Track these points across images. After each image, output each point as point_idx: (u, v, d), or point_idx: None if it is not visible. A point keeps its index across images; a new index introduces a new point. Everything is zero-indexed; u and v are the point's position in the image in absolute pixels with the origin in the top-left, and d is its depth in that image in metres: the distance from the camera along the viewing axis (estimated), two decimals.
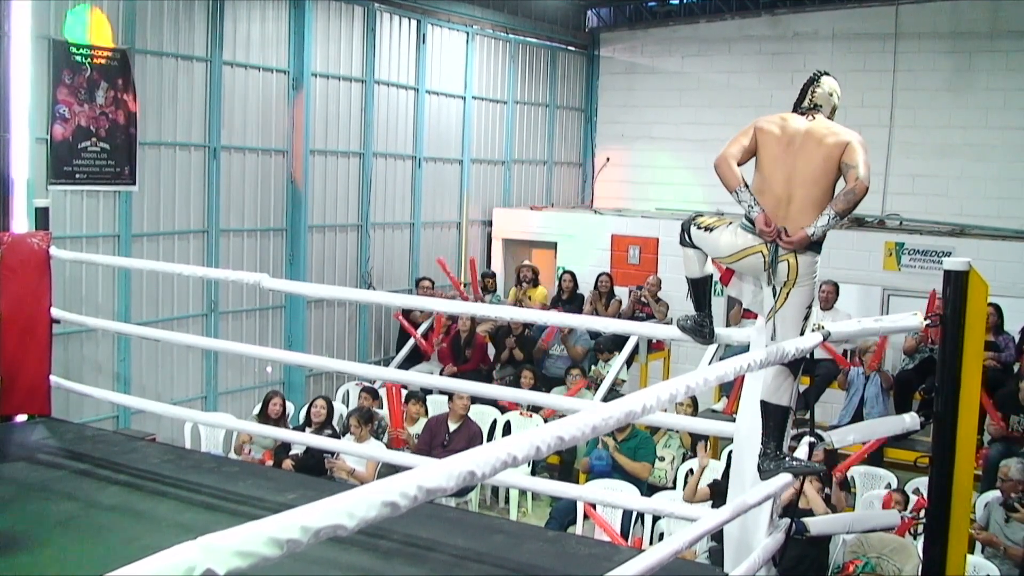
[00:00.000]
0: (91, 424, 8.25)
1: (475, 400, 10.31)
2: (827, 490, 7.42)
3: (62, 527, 4.77)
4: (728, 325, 10.76)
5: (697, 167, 15.18)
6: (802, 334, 4.14)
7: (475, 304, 9.77)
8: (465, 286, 13.62)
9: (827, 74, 4.40)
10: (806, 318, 4.18)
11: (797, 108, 4.33)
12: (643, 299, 12.77)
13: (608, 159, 17.26)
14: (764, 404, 4.22)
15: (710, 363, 9.00)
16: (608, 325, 6.97)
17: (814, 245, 4.11)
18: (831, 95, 4.34)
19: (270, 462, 8.78)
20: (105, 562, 3.63)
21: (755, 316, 4.62)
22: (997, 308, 10.21)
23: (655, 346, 12.72)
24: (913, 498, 7.87)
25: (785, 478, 4.12)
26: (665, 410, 3.93)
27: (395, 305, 11.07)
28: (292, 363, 10.95)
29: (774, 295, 4.17)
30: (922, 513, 6.90)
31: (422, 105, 14.08)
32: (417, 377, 8.11)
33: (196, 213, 11.10)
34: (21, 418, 6.43)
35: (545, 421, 9.57)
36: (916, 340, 10.75)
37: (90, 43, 9.64)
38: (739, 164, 4.26)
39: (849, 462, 8.01)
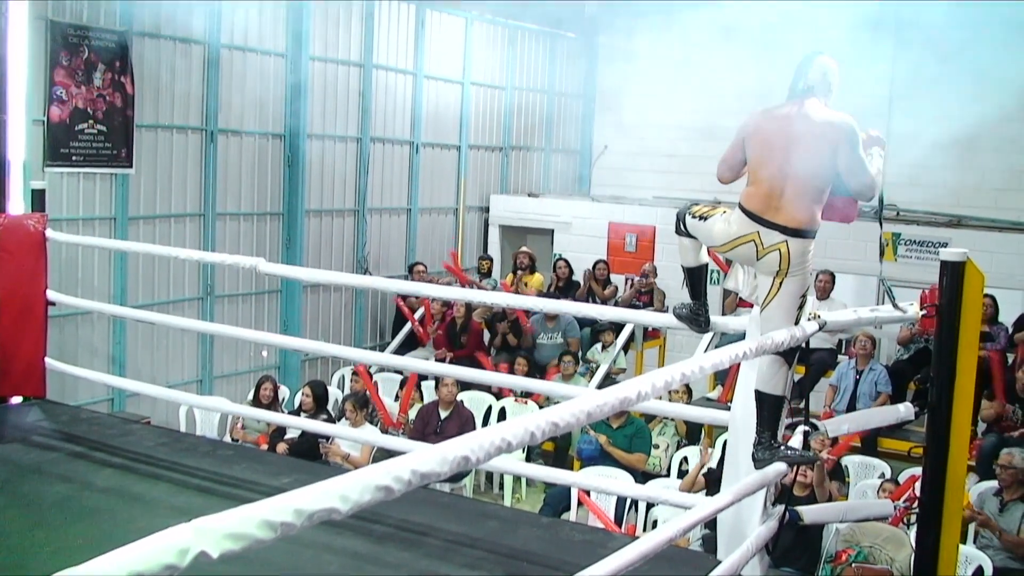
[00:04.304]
0: (86, 407, 8.25)
1: (470, 386, 10.33)
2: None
3: (56, 509, 4.78)
4: (724, 314, 10.77)
5: (695, 155, 15.15)
6: (797, 323, 4.14)
7: (470, 291, 9.75)
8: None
9: (819, 54, 4.28)
10: (800, 307, 4.17)
11: (791, 93, 4.27)
12: (643, 289, 12.79)
13: (606, 146, 17.23)
14: (759, 393, 4.22)
15: (706, 351, 9.01)
16: (604, 312, 6.97)
17: (807, 233, 4.10)
18: (825, 75, 4.21)
19: (265, 446, 8.78)
20: (99, 544, 3.63)
21: (751, 305, 4.62)
22: (993, 299, 10.26)
23: (651, 334, 12.75)
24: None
25: (780, 467, 4.12)
26: (660, 398, 3.94)
27: (391, 290, 11.06)
28: (288, 347, 10.96)
29: (767, 289, 4.16)
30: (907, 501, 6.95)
31: (420, 90, 14.05)
32: (411, 362, 8.11)
33: (193, 196, 11.08)
34: (16, 400, 6.43)
35: (539, 408, 9.58)
36: (911, 332, 10.77)
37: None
38: (736, 176, 4.29)
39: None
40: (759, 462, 4.15)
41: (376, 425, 9.35)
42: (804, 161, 4.06)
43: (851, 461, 9.15)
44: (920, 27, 12.86)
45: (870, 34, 13.75)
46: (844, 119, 4.09)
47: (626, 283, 13.87)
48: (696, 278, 4.56)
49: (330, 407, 9.56)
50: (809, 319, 4.21)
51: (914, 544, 4.39)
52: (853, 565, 6.76)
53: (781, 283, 4.11)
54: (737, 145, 4.29)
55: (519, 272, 13.18)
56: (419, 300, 12.35)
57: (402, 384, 10.12)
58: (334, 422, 8.98)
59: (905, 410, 4.68)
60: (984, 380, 9.12)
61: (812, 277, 4.34)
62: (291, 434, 8.91)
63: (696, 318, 4.58)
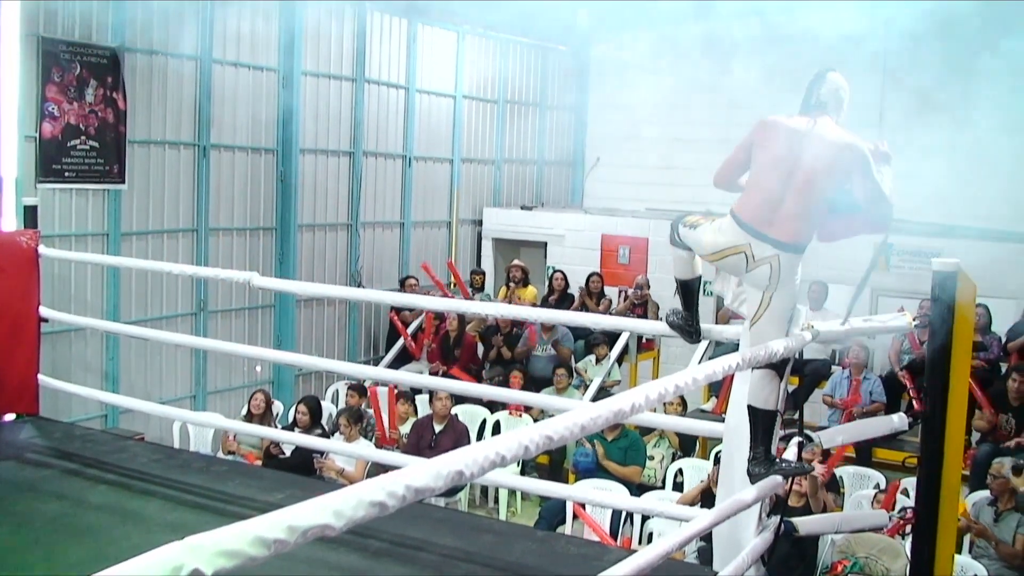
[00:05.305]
0: (80, 423, 8.22)
1: (465, 400, 10.32)
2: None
3: (50, 527, 4.75)
4: (717, 323, 10.77)
5: (687, 167, 15.19)
6: (787, 335, 4.13)
7: (466, 301, 9.72)
8: (451, 285, 13.65)
9: (831, 70, 4.27)
10: (791, 320, 4.15)
11: (804, 108, 4.25)
12: (636, 301, 12.77)
13: (598, 158, 17.26)
14: (751, 408, 4.20)
15: (700, 362, 9.01)
16: (599, 321, 6.97)
17: (799, 248, 4.09)
18: (836, 92, 4.21)
19: (258, 462, 8.76)
20: (93, 562, 3.62)
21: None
22: (986, 309, 10.27)
23: (645, 346, 12.76)
24: (901, 499, 7.89)
25: (775, 479, 4.12)
26: (655, 410, 3.93)
27: (385, 302, 11.05)
28: (281, 362, 10.93)
29: (757, 304, 4.14)
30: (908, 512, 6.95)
31: (412, 104, 14.08)
32: (406, 376, 8.10)
33: (185, 212, 11.08)
34: (9, 417, 6.40)
35: (534, 421, 9.58)
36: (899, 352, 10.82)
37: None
38: (735, 179, 4.29)
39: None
40: (755, 477, 4.14)
41: (371, 439, 9.34)
42: (810, 180, 4.03)
43: (845, 472, 9.14)
44: (914, 36, 12.91)
45: (860, 43, 13.81)
46: (856, 143, 4.07)
47: (619, 295, 13.89)
48: (689, 290, 4.54)
49: (323, 421, 9.54)
50: (802, 329, 4.21)
51: (910, 554, 4.38)
52: None
53: (771, 297, 4.09)
54: (744, 148, 4.24)
55: (512, 285, 13.18)
56: (413, 314, 12.34)
57: (396, 399, 10.10)
58: (328, 437, 8.97)
59: (899, 420, 4.68)
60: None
61: (801, 289, 4.30)
62: (285, 448, 8.89)
63: (687, 328, 4.56)
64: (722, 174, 4.37)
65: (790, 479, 4.26)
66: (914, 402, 9.87)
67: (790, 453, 4.41)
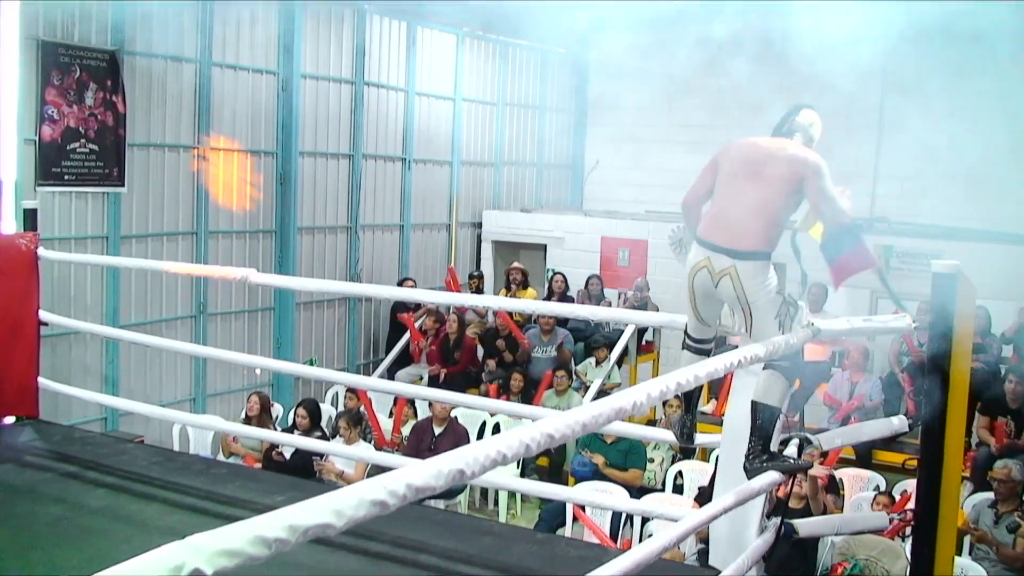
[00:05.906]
0: (79, 426, 8.22)
1: None
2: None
3: (50, 529, 4.75)
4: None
5: (687, 170, 15.07)
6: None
7: (470, 296, 9.67)
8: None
9: (809, 107, 4.37)
10: (781, 325, 4.09)
11: (774, 133, 4.29)
12: (636, 303, 12.76)
13: (598, 161, 17.25)
14: (754, 404, 4.20)
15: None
16: (596, 313, 6.98)
17: (756, 256, 4.05)
18: (810, 125, 4.30)
19: (258, 465, 8.76)
20: (93, 564, 3.62)
21: None
22: (985, 311, 10.27)
23: (644, 348, 12.75)
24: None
25: (772, 476, 4.11)
26: (654, 411, 3.91)
27: (383, 296, 11.01)
28: (279, 371, 10.84)
29: (744, 320, 4.13)
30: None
31: (412, 107, 14.08)
32: (399, 387, 8.08)
33: (185, 215, 11.07)
34: (9, 420, 6.40)
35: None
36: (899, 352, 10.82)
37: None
38: (699, 201, 4.34)
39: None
40: (751, 472, 4.13)
41: (370, 442, 9.33)
42: (763, 187, 4.05)
43: (845, 474, 9.14)
44: (912, 38, 12.90)
45: (859, 45, 13.79)
46: (813, 155, 4.12)
47: (619, 298, 13.88)
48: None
49: (323, 424, 9.53)
50: (803, 327, 4.18)
51: (910, 556, 4.38)
52: None
53: (751, 312, 4.07)
54: (710, 169, 4.31)
55: (513, 287, 13.16)
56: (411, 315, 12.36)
57: (396, 400, 10.10)
58: (328, 439, 8.96)
59: (899, 422, 4.68)
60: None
61: (783, 295, 4.22)
62: (285, 451, 8.88)
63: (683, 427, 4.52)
64: (688, 198, 4.41)
65: (791, 478, 4.25)
66: (909, 404, 9.88)
67: (789, 453, 4.40)
